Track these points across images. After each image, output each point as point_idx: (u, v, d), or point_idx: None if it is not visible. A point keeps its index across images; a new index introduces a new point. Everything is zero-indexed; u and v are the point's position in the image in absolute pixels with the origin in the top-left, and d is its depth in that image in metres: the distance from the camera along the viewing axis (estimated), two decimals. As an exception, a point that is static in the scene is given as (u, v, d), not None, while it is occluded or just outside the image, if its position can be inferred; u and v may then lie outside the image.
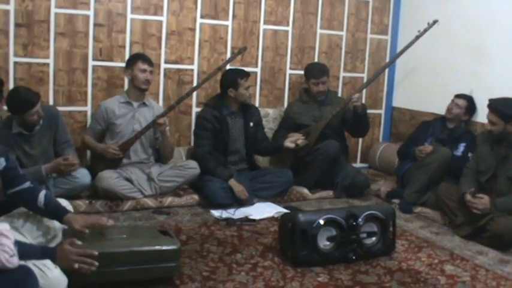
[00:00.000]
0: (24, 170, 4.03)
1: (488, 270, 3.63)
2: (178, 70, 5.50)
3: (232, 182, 4.79)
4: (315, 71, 5.47)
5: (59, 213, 3.06)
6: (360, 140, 6.48)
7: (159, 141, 4.97)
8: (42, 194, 3.01)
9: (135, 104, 4.88)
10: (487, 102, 4.30)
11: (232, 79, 4.98)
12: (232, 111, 5.07)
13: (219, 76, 5.54)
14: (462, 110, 5.18)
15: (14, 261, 2.32)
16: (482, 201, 4.10)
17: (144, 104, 4.93)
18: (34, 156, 4.34)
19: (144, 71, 4.81)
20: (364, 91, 6.33)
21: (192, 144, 5.56)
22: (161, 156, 5.06)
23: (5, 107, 3.87)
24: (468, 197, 4.18)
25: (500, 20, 5.20)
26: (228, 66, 5.51)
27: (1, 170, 2.87)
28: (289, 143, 5.04)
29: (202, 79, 5.20)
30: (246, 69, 5.44)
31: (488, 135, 4.37)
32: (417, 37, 5.34)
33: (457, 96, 5.24)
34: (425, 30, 5.34)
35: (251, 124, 5.18)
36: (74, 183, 4.40)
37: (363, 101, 6.42)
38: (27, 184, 3.01)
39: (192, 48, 5.54)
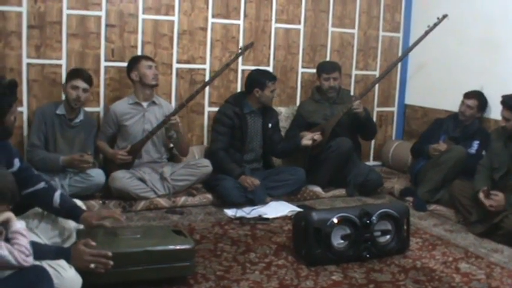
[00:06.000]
0: (44, 153, 4.42)
1: (503, 268, 3.60)
2: (191, 70, 5.51)
3: (241, 178, 4.80)
4: (326, 66, 5.48)
5: (74, 213, 3.08)
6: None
7: (173, 140, 4.97)
8: (57, 194, 3.03)
9: (145, 104, 4.89)
10: (500, 98, 4.27)
11: (260, 80, 5.01)
12: (252, 110, 5.08)
13: (231, 75, 5.58)
14: (474, 110, 5.13)
15: (30, 261, 2.34)
16: (497, 198, 4.08)
17: (154, 103, 4.94)
18: (68, 140, 4.60)
19: (150, 67, 4.85)
20: (376, 89, 6.33)
21: (205, 143, 5.58)
22: (178, 153, 5.09)
23: (19, 108, 3.94)
24: (481, 195, 4.15)
25: (512, 14, 5.17)
26: (240, 66, 5.55)
27: (15, 170, 2.89)
28: (306, 140, 5.04)
29: (211, 77, 5.22)
30: (258, 67, 5.44)
31: (501, 131, 4.34)
32: (426, 32, 5.29)
33: (467, 96, 5.17)
34: (435, 25, 5.29)
35: (270, 125, 5.19)
36: (89, 181, 4.47)
37: (375, 99, 6.43)
38: (42, 184, 3.03)
39: (204, 48, 5.54)
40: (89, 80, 4.59)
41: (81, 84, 4.51)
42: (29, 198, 3.01)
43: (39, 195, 3.02)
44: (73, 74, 4.61)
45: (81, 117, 4.64)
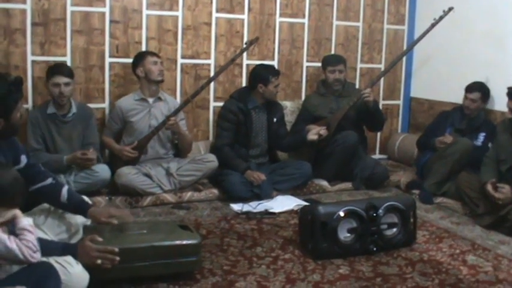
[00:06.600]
0: (47, 156, 4.40)
1: (511, 260, 3.59)
2: (195, 65, 5.50)
3: (247, 172, 4.81)
4: (332, 59, 5.49)
5: (82, 207, 3.10)
6: (378, 131, 6.44)
7: (176, 136, 4.98)
8: (65, 189, 3.05)
9: (150, 100, 4.89)
10: (506, 90, 4.25)
11: (264, 75, 4.99)
12: (257, 105, 5.07)
13: (236, 70, 5.57)
14: (478, 102, 5.10)
15: (38, 257, 2.35)
16: (504, 191, 4.07)
17: (159, 99, 4.94)
18: (66, 136, 4.57)
19: (155, 63, 4.84)
20: (381, 82, 6.31)
21: (211, 138, 5.58)
22: (180, 150, 5.07)
23: (25, 105, 3.96)
24: (489, 187, 4.14)
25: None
26: (245, 60, 5.55)
27: (22, 167, 2.91)
28: (312, 135, 5.03)
29: (216, 72, 5.21)
30: (263, 62, 5.44)
31: (508, 123, 4.33)
32: (433, 25, 5.26)
33: (468, 90, 5.13)
34: (441, 18, 5.26)
35: (275, 120, 5.18)
36: (94, 177, 4.47)
37: (380, 92, 6.41)
38: (49, 180, 3.04)
39: (209, 43, 5.53)
40: (68, 73, 4.52)
41: (61, 79, 4.44)
42: (37, 194, 3.02)
43: (46, 191, 3.03)
44: (51, 71, 4.50)
45: (73, 110, 4.59)
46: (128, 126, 4.86)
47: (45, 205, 3.15)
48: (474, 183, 4.42)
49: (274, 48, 5.84)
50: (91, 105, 4.96)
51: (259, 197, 4.72)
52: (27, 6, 4.79)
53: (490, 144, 4.71)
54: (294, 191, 5.00)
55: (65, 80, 4.45)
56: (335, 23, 6.11)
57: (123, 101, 4.90)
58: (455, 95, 5.53)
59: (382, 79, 6.09)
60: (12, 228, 2.37)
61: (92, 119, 4.75)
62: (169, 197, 4.67)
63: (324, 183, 5.21)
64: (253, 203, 4.58)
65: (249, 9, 5.66)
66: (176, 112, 4.76)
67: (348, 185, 5.27)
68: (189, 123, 5.43)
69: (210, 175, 4.93)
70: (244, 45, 5.12)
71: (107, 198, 4.48)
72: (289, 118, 5.62)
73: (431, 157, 5.07)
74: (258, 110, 5.10)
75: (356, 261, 3.51)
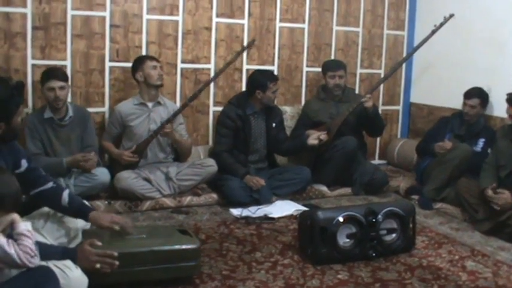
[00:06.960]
0: (46, 159, 4.37)
1: (510, 266, 3.59)
2: (195, 69, 5.51)
3: (246, 177, 4.81)
4: (332, 64, 5.48)
5: (83, 211, 3.09)
6: (378, 136, 6.44)
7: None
8: (66, 193, 3.05)
9: (150, 104, 4.89)
10: (505, 96, 4.26)
11: (261, 81, 4.98)
12: (255, 111, 5.06)
13: (236, 75, 5.58)
14: (478, 108, 5.10)
15: (35, 262, 2.34)
16: (503, 196, 4.07)
17: (159, 103, 4.94)
18: (64, 140, 4.54)
19: (155, 67, 4.84)
20: (381, 87, 6.31)
21: (210, 143, 5.58)
22: (179, 155, 5.07)
23: (25, 109, 3.96)
24: (489, 192, 4.14)
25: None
26: (245, 65, 5.55)
27: (23, 171, 2.91)
28: (312, 140, 5.03)
29: (213, 75, 5.22)
30: (263, 67, 5.45)
31: (507, 129, 4.33)
32: (433, 32, 5.27)
33: (467, 96, 5.13)
34: (442, 25, 5.27)
35: (273, 125, 5.18)
36: (94, 180, 4.45)
37: (380, 97, 6.41)
38: (50, 184, 3.05)
39: (209, 48, 5.54)
40: (63, 77, 4.48)
41: (55, 83, 4.39)
42: (38, 198, 3.02)
43: (47, 194, 3.03)
44: (46, 76, 4.45)
45: (70, 113, 4.56)
46: (127, 131, 4.86)
47: (45, 209, 3.15)
48: (474, 189, 4.42)
49: (274, 53, 5.84)
50: (91, 109, 4.96)
51: (258, 202, 4.71)
52: (28, 10, 4.79)
53: (489, 150, 4.71)
54: (294, 196, 4.99)
55: (60, 83, 4.42)
56: (335, 28, 6.11)
57: (122, 105, 4.90)
58: (455, 101, 5.53)
59: (382, 85, 6.09)
60: (10, 232, 2.37)
61: (89, 121, 4.73)
62: (169, 202, 4.67)
63: (324, 188, 5.21)
64: (253, 208, 4.58)
65: (249, 14, 5.67)
66: (174, 116, 4.76)
67: (348, 190, 5.27)
68: (189, 128, 5.43)
69: (209, 180, 4.93)
70: (241, 48, 5.12)
71: (106, 202, 4.47)
72: (289, 123, 5.62)
73: (430, 163, 5.07)
74: (257, 115, 5.09)
75: (355, 267, 3.51)
